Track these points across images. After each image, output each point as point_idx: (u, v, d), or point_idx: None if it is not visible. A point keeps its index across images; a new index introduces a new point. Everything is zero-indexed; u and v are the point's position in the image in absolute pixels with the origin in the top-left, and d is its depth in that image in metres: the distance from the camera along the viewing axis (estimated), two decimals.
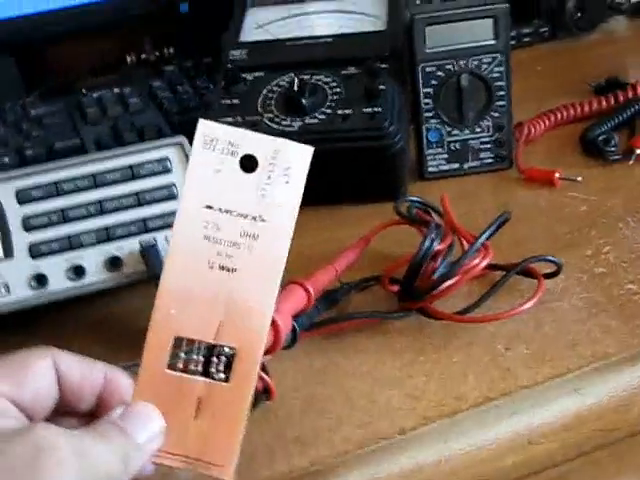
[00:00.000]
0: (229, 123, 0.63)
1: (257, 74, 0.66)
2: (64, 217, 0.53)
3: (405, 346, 0.51)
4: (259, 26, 0.72)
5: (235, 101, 0.65)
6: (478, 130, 0.66)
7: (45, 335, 0.55)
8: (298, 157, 0.38)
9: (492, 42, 0.64)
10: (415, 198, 0.58)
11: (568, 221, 0.61)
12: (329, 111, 0.63)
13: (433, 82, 0.65)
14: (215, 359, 0.37)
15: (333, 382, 0.49)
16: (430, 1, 0.79)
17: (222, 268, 0.37)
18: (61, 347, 0.53)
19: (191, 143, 0.38)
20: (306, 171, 0.38)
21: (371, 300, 0.55)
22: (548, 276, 0.54)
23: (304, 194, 0.38)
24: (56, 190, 0.53)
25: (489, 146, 0.67)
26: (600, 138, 0.67)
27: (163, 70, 0.81)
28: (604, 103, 0.72)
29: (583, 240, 0.58)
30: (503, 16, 0.64)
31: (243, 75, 0.66)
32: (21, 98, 0.79)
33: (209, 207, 0.38)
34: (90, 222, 0.53)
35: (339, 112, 0.63)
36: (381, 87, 0.63)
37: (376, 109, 0.62)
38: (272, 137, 0.38)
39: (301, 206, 0.38)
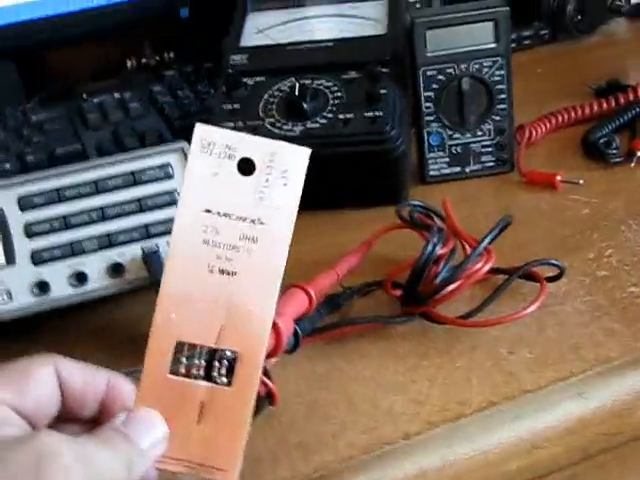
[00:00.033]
0: (230, 128, 0.63)
1: (258, 79, 0.66)
2: (66, 223, 0.53)
3: (408, 351, 0.51)
4: (259, 31, 0.72)
5: (236, 106, 0.65)
6: (479, 133, 0.66)
7: (47, 342, 0.54)
8: (295, 159, 0.38)
9: (493, 45, 0.64)
10: (417, 202, 0.58)
11: (570, 224, 0.61)
12: (330, 115, 0.63)
13: (434, 86, 0.65)
14: (217, 363, 0.37)
15: (336, 387, 0.49)
16: (430, 5, 0.79)
17: (222, 272, 0.37)
18: (63, 354, 0.53)
19: None
20: (304, 173, 0.38)
21: (373, 305, 0.55)
22: (550, 279, 0.54)
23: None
24: (58, 197, 0.53)
25: (490, 149, 0.66)
26: (601, 141, 0.67)
27: (164, 75, 0.81)
28: (605, 105, 0.72)
29: (585, 243, 0.58)
30: (504, 19, 0.64)
31: (244, 80, 0.66)
32: (21, 103, 0.79)
33: (208, 211, 0.38)
34: (92, 228, 0.53)
35: (340, 116, 0.63)
36: (382, 91, 0.63)
37: (377, 113, 0.62)
38: (269, 140, 0.38)
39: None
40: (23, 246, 0.53)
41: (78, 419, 0.38)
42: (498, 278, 0.55)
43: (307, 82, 0.65)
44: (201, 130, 0.38)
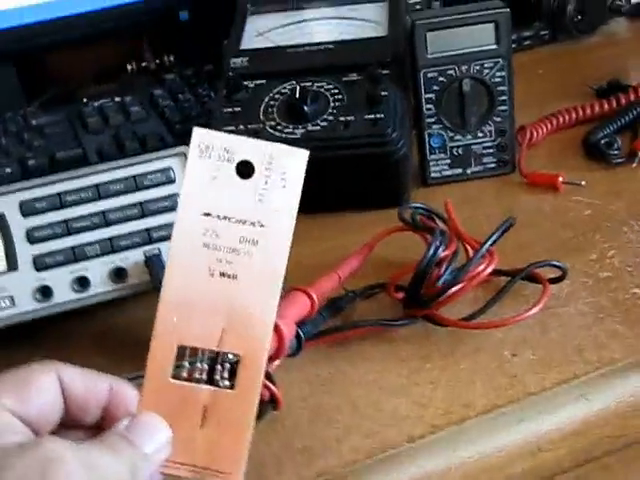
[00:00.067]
0: (231, 131, 0.63)
1: (258, 82, 0.66)
2: (68, 229, 0.53)
3: (411, 354, 0.51)
4: (259, 34, 0.72)
5: (237, 109, 0.65)
6: (480, 135, 0.66)
7: (50, 347, 0.55)
8: (294, 161, 0.38)
9: (494, 47, 0.64)
10: (419, 205, 0.58)
11: (572, 225, 0.61)
12: (331, 118, 0.63)
13: (435, 88, 0.64)
14: (219, 367, 0.37)
15: (340, 391, 0.49)
16: (430, 6, 0.79)
17: (222, 275, 0.37)
18: (66, 358, 0.53)
19: None
20: (303, 175, 0.38)
21: (376, 307, 0.55)
22: (553, 281, 0.54)
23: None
24: (60, 202, 0.53)
25: (492, 151, 0.66)
26: (603, 141, 0.67)
27: (164, 78, 0.81)
28: (606, 106, 0.72)
29: (588, 244, 0.58)
30: (504, 21, 0.64)
31: (244, 83, 0.66)
32: (22, 108, 0.79)
33: (207, 214, 0.38)
34: (94, 233, 0.53)
35: (341, 119, 0.63)
36: (383, 93, 0.63)
37: (378, 115, 0.62)
38: (267, 142, 0.38)
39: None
40: (25, 252, 0.53)
41: (81, 425, 0.38)
42: (500, 280, 0.55)
43: (308, 85, 0.65)
44: (199, 134, 0.38)
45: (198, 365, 0.37)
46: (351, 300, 0.54)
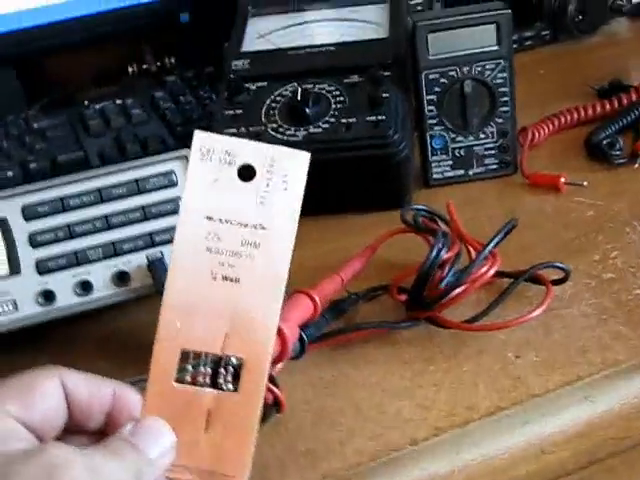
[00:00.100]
0: (233, 134, 0.63)
1: (260, 84, 0.66)
2: (70, 233, 0.52)
3: (414, 356, 0.51)
4: (261, 36, 0.71)
5: (238, 111, 0.65)
6: (482, 136, 0.66)
7: (53, 351, 0.55)
8: (295, 163, 0.37)
9: (495, 48, 0.64)
10: (421, 207, 0.58)
11: (574, 226, 0.60)
12: (333, 120, 0.63)
13: (436, 89, 0.64)
14: (223, 370, 0.37)
15: (343, 394, 0.49)
16: (431, 7, 0.79)
17: (225, 278, 0.37)
18: (69, 362, 0.53)
19: None
20: (304, 177, 0.38)
21: (379, 310, 0.55)
22: (556, 282, 0.54)
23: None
24: (62, 206, 0.52)
25: (493, 152, 0.66)
26: (605, 142, 0.67)
27: (165, 80, 0.81)
28: (608, 106, 0.72)
29: (590, 245, 0.58)
30: (505, 22, 0.64)
31: (246, 85, 0.66)
32: (23, 111, 0.79)
33: (209, 218, 0.37)
34: (97, 237, 0.53)
35: (343, 121, 0.63)
36: (384, 95, 0.63)
37: (380, 117, 0.62)
38: (268, 145, 0.38)
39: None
40: (28, 256, 0.52)
41: (85, 430, 0.38)
42: (503, 281, 0.55)
43: (309, 87, 0.65)
44: (200, 137, 0.38)
45: (201, 369, 0.37)
46: (354, 302, 0.54)
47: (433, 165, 0.67)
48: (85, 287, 0.53)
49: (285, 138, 0.63)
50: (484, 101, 0.65)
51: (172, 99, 0.77)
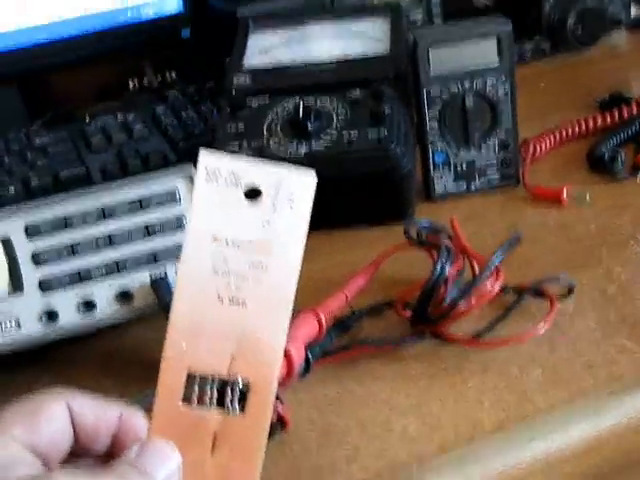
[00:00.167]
0: (235, 150, 0.63)
1: (262, 99, 0.66)
2: (73, 251, 0.52)
3: (420, 372, 0.51)
4: (262, 51, 0.71)
5: (240, 127, 0.65)
6: (484, 150, 0.66)
7: (56, 369, 0.54)
8: (302, 185, 0.37)
9: (496, 62, 0.64)
10: (425, 223, 0.57)
11: (578, 240, 0.60)
12: (335, 135, 0.63)
13: (438, 104, 0.65)
14: (229, 393, 0.37)
15: (348, 411, 0.49)
16: (432, 22, 0.79)
17: (231, 300, 0.37)
18: (72, 380, 0.53)
19: None
20: (311, 199, 0.37)
21: (383, 325, 0.54)
22: (560, 297, 0.54)
23: (311, 218, 0.38)
24: (65, 224, 0.52)
25: (495, 166, 0.66)
26: (607, 155, 0.67)
27: (166, 95, 0.81)
28: (609, 119, 0.72)
29: (594, 259, 0.58)
30: (506, 37, 0.64)
31: (248, 101, 0.66)
32: (25, 127, 0.79)
33: (215, 239, 0.37)
34: (100, 255, 0.53)
35: (345, 136, 0.63)
36: (386, 110, 0.63)
37: (382, 132, 0.62)
38: (275, 166, 0.37)
39: (311, 230, 0.38)
40: (31, 274, 0.52)
41: (91, 453, 0.38)
42: (507, 296, 0.54)
43: (311, 102, 0.65)
44: (206, 157, 0.38)
45: (208, 391, 0.37)
46: (358, 318, 0.54)
47: (435, 179, 0.67)
48: (88, 306, 0.53)
49: (287, 154, 0.63)
50: (485, 115, 0.65)
51: (173, 114, 0.77)
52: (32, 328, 0.52)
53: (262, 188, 0.37)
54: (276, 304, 0.37)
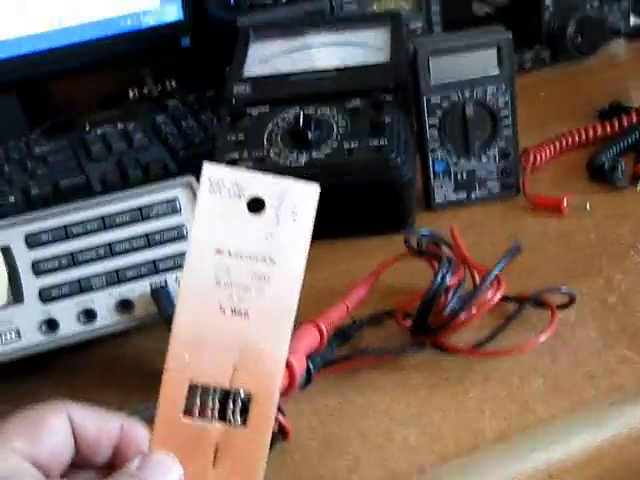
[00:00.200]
0: (235, 159, 0.63)
1: (262, 109, 0.66)
2: (74, 260, 0.52)
3: (420, 382, 0.51)
4: (262, 60, 0.72)
5: (241, 136, 0.65)
6: (484, 159, 0.66)
7: (56, 379, 0.54)
8: (305, 197, 0.37)
9: (496, 72, 0.64)
10: (425, 232, 0.57)
11: (578, 249, 0.60)
12: (335, 145, 0.63)
13: (438, 113, 0.65)
14: (231, 404, 0.37)
15: (349, 421, 0.49)
16: (432, 31, 0.79)
17: (234, 312, 0.37)
18: (72, 390, 0.53)
19: (198, 180, 0.38)
20: (314, 211, 0.37)
21: (383, 335, 0.54)
22: (561, 306, 0.54)
23: (313, 228, 0.38)
24: (65, 233, 0.52)
25: (496, 175, 0.67)
26: (607, 164, 0.67)
27: (167, 104, 0.81)
28: (608, 128, 0.72)
29: (594, 269, 0.58)
30: (506, 46, 0.64)
31: (248, 110, 0.66)
32: (24, 135, 0.79)
33: (218, 251, 0.37)
34: (100, 265, 0.53)
35: (345, 145, 0.63)
36: (386, 119, 0.63)
37: (382, 141, 0.62)
38: (278, 178, 0.37)
39: (313, 239, 0.38)
40: (31, 284, 0.52)
41: (92, 464, 0.38)
42: (508, 305, 0.54)
43: (311, 111, 0.65)
44: (209, 169, 0.38)
45: (210, 402, 0.37)
46: (359, 328, 0.54)
47: (435, 189, 0.67)
48: (88, 315, 0.53)
49: (287, 163, 0.63)
50: (486, 124, 0.65)
51: (174, 123, 0.77)
52: (32, 337, 0.52)
53: (265, 200, 0.37)
54: (278, 315, 0.37)
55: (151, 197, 0.53)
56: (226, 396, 0.37)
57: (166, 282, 0.53)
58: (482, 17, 0.86)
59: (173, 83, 0.86)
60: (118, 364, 0.56)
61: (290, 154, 0.63)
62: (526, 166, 0.68)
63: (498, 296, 0.51)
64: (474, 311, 0.51)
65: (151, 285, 0.53)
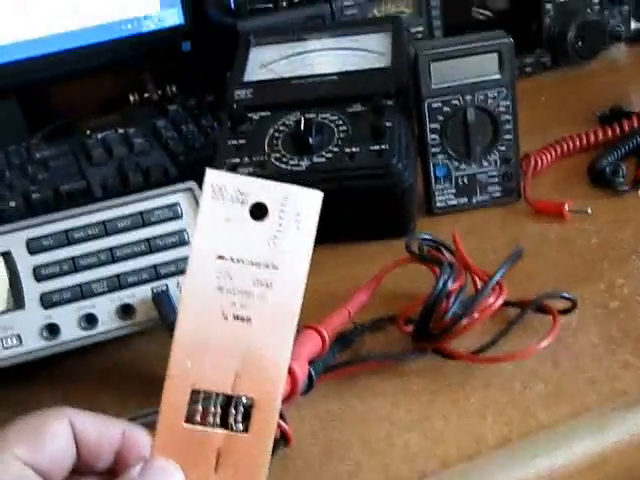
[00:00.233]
0: (236, 164, 0.63)
1: (263, 114, 0.66)
2: (75, 266, 0.52)
3: (421, 388, 0.51)
4: (263, 65, 0.72)
5: (242, 141, 0.65)
6: (485, 164, 0.66)
7: (56, 384, 0.54)
8: (308, 203, 0.37)
9: (497, 76, 0.64)
10: (426, 237, 0.57)
11: (579, 254, 0.60)
12: (336, 149, 0.63)
13: (439, 117, 0.65)
14: (233, 410, 0.37)
15: (350, 427, 0.48)
16: (433, 36, 0.79)
17: (236, 318, 0.37)
18: (73, 395, 0.53)
19: (200, 185, 0.38)
20: (317, 217, 0.37)
21: (385, 341, 0.54)
22: (563, 311, 0.53)
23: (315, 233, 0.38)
24: (66, 239, 0.52)
25: (497, 179, 0.66)
26: (608, 169, 0.67)
27: (167, 109, 0.81)
28: (609, 133, 0.72)
29: (596, 274, 0.58)
30: (507, 50, 0.64)
31: (249, 115, 0.66)
32: (25, 140, 0.79)
33: (221, 257, 0.37)
34: (101, 270, 0.53)
35: (346, 150, 0.63)
36: (387, 124, 0.63)
37: (383, 146, 0.62)
38: (281, 184, 0.37)
39: (315, 244, 0.38)
40: (32, 289, 0.52)
41: (94, 471, 0.38)
42: (509, 311, 0.54)
43: (312, 116, 0.65)
44: (212, 176, 0.38)
45: (212, 409, 0.37)
46: (360, 333, 0.54)
47: (436, 193, 0.67)
48: (90, 320, 0.53)
49: (288, 168, 0.63)
50: (487, 129, 0.65)
51: (174, 128, 0.77)
52: (33, 343, 0.52)
53: (268, 206, 0.37)
54: (281, 321, 0.37)
55: (152, 202, 0.53)
56: (228, 402, 0.37)
57: (167, 287, 0.53)
58: (483, 22, 0.86)
59: (174, 88, 0.86)
60: (119, 369, 0.55)
61: (291, 159, 0.63)
62: (527, 171, 0.68)
63: (500, 301, 0.51)
64: (476, 316, 0.50)
65: (152, 290, 0.53)
